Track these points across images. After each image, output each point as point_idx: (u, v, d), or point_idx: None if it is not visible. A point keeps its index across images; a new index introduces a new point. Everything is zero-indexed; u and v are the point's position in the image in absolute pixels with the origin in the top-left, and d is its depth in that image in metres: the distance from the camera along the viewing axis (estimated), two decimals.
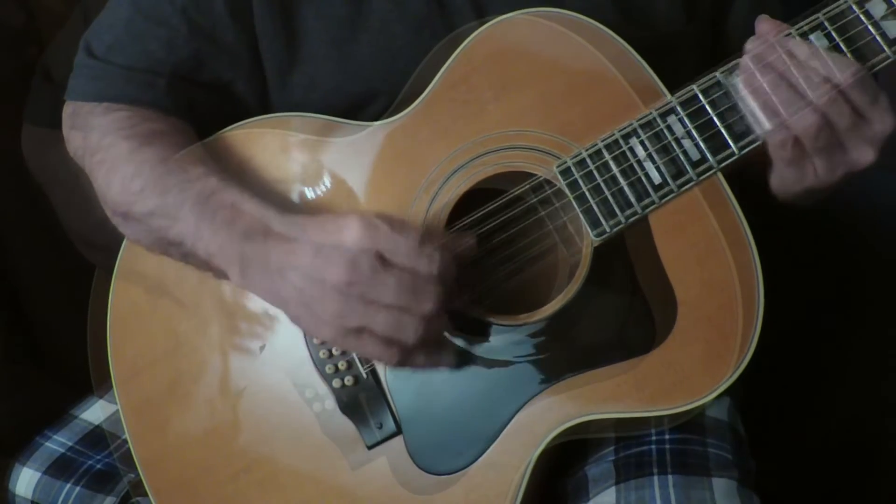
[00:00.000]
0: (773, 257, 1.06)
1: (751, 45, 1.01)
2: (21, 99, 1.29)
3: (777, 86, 0.99)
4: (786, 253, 1.39)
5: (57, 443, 1.21)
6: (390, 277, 0.96)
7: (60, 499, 1.18)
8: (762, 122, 1.01)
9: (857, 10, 1.03)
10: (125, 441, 1.14)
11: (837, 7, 1.03)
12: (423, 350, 1.00)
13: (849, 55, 1.02)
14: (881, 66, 1.03)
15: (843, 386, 1.45)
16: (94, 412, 1.24)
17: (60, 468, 1.19)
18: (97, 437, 1.22)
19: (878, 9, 1.03)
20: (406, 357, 1.00)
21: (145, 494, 1.13)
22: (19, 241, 1.28)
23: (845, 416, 1.45)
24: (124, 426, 1.13)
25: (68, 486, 1.18)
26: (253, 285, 1.02)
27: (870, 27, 1.02)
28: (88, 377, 1.17)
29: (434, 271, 0.97)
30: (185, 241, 1.05)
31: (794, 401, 1.48)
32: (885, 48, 1.02)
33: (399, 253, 0.97)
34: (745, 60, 1.01)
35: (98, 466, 1.20)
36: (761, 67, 1.00)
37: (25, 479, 1.19)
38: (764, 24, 1.03)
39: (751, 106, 1.01)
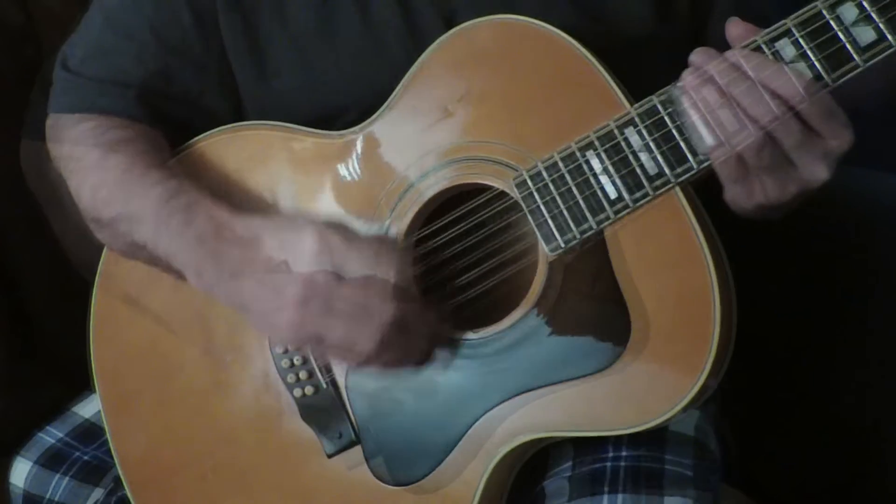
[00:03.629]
0: (774, 257, 1.03)
1: (695, 57, 0.96)
2: (20, 100, 1.32)
3: (717, 102, 0.94)
4: (786, 253, 1.35)
5: (50, 434, 1.26)
6: (344, 291, 0.98)
7: (50, 489, 1.23)
8: (704, 139, 0.96)
9: (827, 16, 0.97)
10: None
11: (807, 12, 0.97)
12: (385, 356, 1.01)
13: (817, 64, 0.96)
14: (851, 75, 0.97)
15: (843, 384, 1.41)
16: (87, 406, 1.28)
17: (52, 459, 1.24)
18: (88, 431, 1.26)
19: (849, 14, 0.96)
20: (367, 362, 1.01)
21: None
22: (19, 241, 1.32)
23: (845, 414, 1.41)
24: (105, 425, 1.17)
25: (58, 476, 1.23)
26: (209, 288, 1.05)
27: (840, 34, 0.96)
28: (87, 376, 1.21)
29: (388, 286, 0.98)
30: (147, 245, 1.08)
31: (791, 400, 1.45)
32: (856, 56, 0.96)
33: (353, 268, 0.98)
34: (685, 74, 0.96)
35: (86, 459, 1.24)
36: (703, 81, 0.95)
37: (20, 470, 1.25)
38: (734, 28, 0.98)
39: (695, 122, 0.96)
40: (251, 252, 1.01)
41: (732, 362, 1.03)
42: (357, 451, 1.08)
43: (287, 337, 1.04)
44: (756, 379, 1.37)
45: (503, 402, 1.03)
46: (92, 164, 1.12)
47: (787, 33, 0.97)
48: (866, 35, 0.96)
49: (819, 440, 1.45)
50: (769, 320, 1.16)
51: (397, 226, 1.07)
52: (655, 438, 1.07)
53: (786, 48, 0.97)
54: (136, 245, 1.09)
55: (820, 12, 0.97)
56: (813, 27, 0.97)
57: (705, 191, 1.03)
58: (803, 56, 0.97)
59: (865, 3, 0.96)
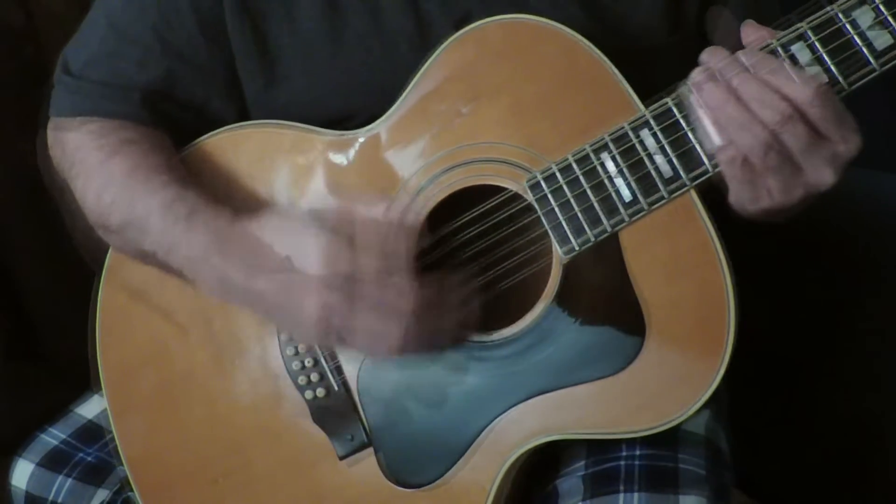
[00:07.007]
0: (772, 257, 1.03)
1: (706, 57, 0.96)
2: (19, 99, 1.31)
3: (726, 101, 0.94)
4: (785, 253, 1.35)
5: (51, 435, 1.24)
6: (362, 289, 0.97)
7: (53, 490, 1.21)
8: (713, 139, 0.96)
9: (843, 20, 0.97)
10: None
11: (822, 16, 0.98)
12: (413, 343, 1.00)
13: (833, 68, 0.97)
14: (867, 79, 0.97)
15: (843, 384, 1.42)
16: (88, 406, 1.27)
17: (54, 460, 1.22)
18: (90, 431, 1.24)
19: (865, 18, 0.97)
20: (397, 353, 1.00)
21: None
22: (20, 241, 1.31)
23: (845, 415, 1.42)
24: (112, 428, 1.16)
25: (60, 477, 1.22)
26: (223, 297, 1.05)
27: (856, 38, 0.97)
28: (88, 376, 1.19)
29: (403, 276, 0.98)
30: (157, 253, 1.06)
31: (791, 400, 1.46)
32: (872, 60, 0.97)
33: (364, 263, 0.97)
34: (695, 72, 0.96)
35: (89, 459, 1.22)
36: (711, 80, 0.95)
37: (21, 471, 1.23)
38: (749, 31, 0.98)
39: (703, 121, 0.96)
40: (257, 257, 1.00)
41: (732, 362, 1.03)
42: (369, 454, 1.07)
43: (313, 338, 1.04)
44: (755, 379, 1.38)
45: (517, 404, 1.03)
46: (94, 167, 1.10)
47: (802, 37, 0.98)
48: (882, 40, 0.97)
49: (819, 440, 1.45)
50: (768, 320, 1.15)
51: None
52: (668, 438, 1.07)
53: (801, 52, 0.98)
54: (145, 253, 1.08)
55: (836, 15, 0.97)
56: (827, 31, 0.97)
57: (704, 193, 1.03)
58: (818, 60, 0.97)
59: (882, 8, 0.97)
